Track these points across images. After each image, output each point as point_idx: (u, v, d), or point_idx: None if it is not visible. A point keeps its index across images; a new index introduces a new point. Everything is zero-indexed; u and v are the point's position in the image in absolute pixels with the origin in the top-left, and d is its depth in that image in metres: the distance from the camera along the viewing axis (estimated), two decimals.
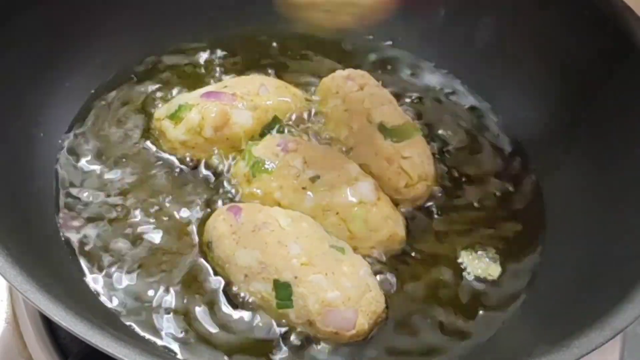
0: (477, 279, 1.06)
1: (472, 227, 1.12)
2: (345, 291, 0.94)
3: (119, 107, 1.21)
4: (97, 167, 1.13)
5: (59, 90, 1.18)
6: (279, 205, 1.05)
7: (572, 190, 1.16)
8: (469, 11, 1.31)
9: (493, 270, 1.07)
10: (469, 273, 1.06)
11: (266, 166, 1.07)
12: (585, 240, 1.08)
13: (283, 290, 0.95)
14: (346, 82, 1.19)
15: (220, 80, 1.26)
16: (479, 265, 1.07)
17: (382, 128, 1.12)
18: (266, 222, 0.99)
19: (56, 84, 1.17)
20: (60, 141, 1.15)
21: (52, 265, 0.98)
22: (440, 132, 1.24)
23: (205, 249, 1.03)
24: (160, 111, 1.17)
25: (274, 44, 1.35)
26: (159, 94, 1.24)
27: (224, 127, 1.12)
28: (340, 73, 1.22)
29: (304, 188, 1.05)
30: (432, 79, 1.33)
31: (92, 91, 1.23)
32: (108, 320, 0.95)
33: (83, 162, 1.13)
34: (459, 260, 1.07)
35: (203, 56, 1.31)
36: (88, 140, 1.16)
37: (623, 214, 1.06)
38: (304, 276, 0.94)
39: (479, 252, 1.08)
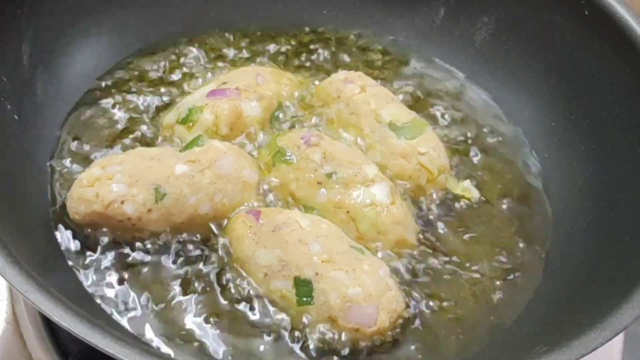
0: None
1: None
2: (366, 288, 0.94)
3: (114, 108, 1.20)
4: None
5: (57, 89, 1.18)
6: (294, 196, 1.06)
7: (572, 190, 1.16)
8: (470, 9, 1.32)
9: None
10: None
11: (287, 157, 1.08)
12: (585, 241, 1.08)
13: (304, 287, 0.94)
14: (346, 85, 1.18)
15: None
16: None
17: (393, 127, 1.13)
18: (286, 223, 0.99)
19: (54, 81, 1.18)
20: (58, 140, 1.15)
21: (52, 265, 0.98)
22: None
23: (224, 252, 1.03)
24: (170, 117, 1.16)
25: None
26: (157, 95, 1.23)
27: (238, 122, 1.13)
28: (337, 76, 1.20)
29: (319, 183, 1.05)
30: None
31: (88, 90, 1.22)
32: (108, 320, 0.95)
33: (82, 162, 1.13)
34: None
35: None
36: (86, 140, 1.15)
37: (623, 214, 1.06)
38: (325, 272, 0.94)
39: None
